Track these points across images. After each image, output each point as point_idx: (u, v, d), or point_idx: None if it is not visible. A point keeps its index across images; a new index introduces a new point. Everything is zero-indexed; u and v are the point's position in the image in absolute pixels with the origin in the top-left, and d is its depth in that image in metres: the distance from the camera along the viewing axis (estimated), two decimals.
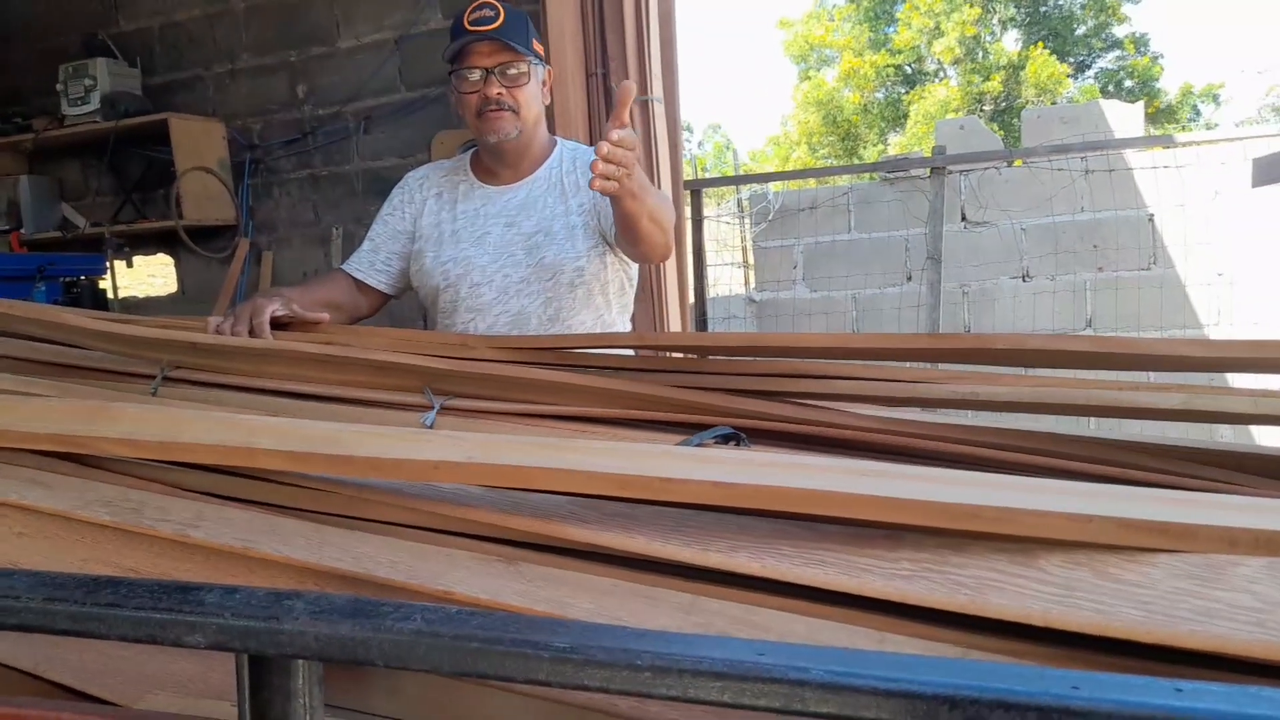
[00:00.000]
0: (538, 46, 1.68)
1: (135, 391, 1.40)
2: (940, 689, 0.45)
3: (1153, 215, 3.56)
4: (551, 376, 1.26)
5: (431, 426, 1.30)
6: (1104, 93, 17.57)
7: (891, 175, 3.70)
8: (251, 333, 1.46)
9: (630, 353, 1.43)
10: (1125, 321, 3.53)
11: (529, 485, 0.72)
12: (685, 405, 1.23)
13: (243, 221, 3.59)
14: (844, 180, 4.27)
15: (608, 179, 1.31)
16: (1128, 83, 18.04)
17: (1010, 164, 3.52)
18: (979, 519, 0.60)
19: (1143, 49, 18.61)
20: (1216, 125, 17.25)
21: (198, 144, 3.44)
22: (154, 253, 3.86)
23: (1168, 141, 2.93)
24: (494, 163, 1.75)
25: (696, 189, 3.18)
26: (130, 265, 3.70)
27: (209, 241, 3.58)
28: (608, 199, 1.67)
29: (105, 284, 3.57)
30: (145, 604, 0.58)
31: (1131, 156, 3.49)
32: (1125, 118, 3.79)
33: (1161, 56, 18.73)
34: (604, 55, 2.73)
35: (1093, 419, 1.18)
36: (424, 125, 3.27)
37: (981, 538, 0.63)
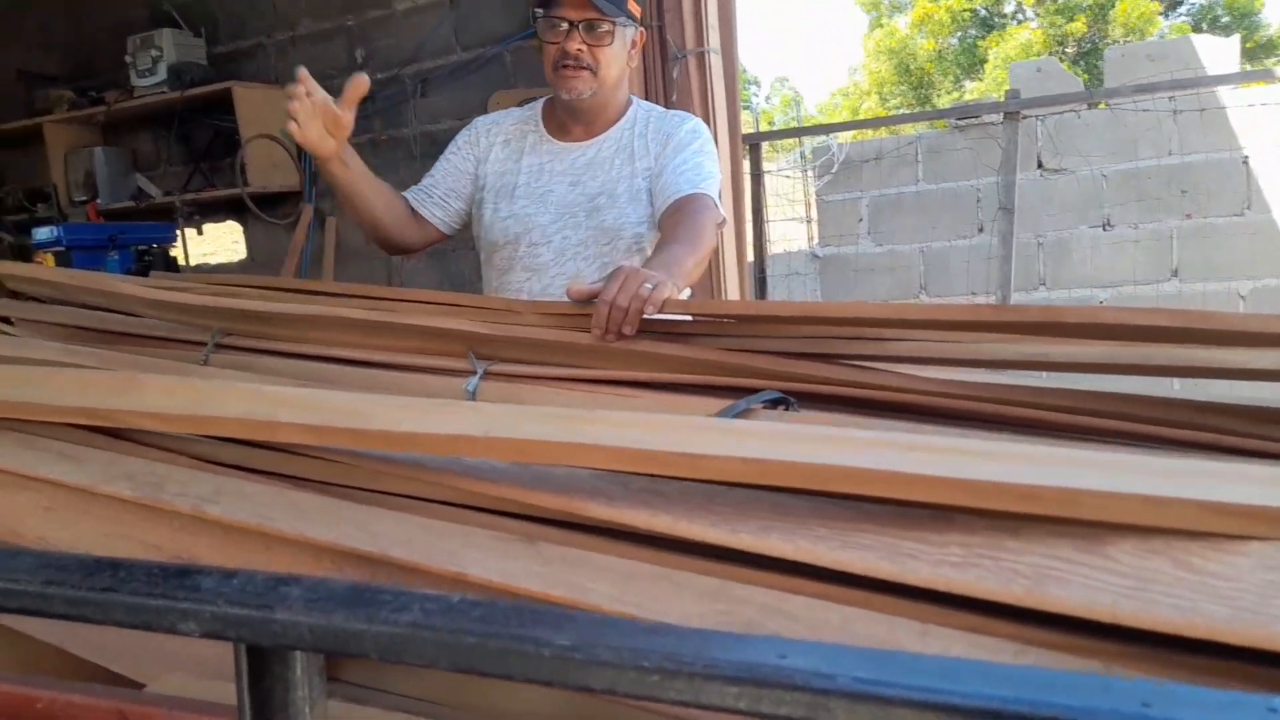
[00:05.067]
0: (633, 6, 1.62)
1: (187, 360, 1.41)
2: (985, 702, 0.40)
3: (1247, 157, 3.29)
4: (596, 341, 1.22)
5: (474, 392, 1.27)
6: (1197, 30, 16.51)
7: (962, 122, 3.51)
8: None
9: (688, 318, 1.38)
10: (1216, 271, 3.30)
11: (550, 460, 0.68)
12: (735, 369, 1.17)
13: (307, 188, 3.62)
14: (911, 129, 4.09)
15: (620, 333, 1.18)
16: (1224, 18, 16.93)
17: (1091, 106, 3.30)
18: (1039, 501, 0.53)
19: None
20: None
21: (261, 112, 3.47)
22: (223, 220, 3.94)
23: (1266, 76, 2.70)
24: (567, 118, 1.69)
25: (755, 143, 3.07)
26: (200, 233, 3.78)
27: (275, 208, 3.63)
28: (672, 173, 1.61)
29: (177, 251, 3.65)
30: (141, 589, 0.56)
31: (1225, 95, 3.23)
32: (1219, 53, 3.51)
33: None
34: (659, 6, 2.64)
35: (1175, 380, 1.08)
36: (480, 86, 3.24)
37: (1043, 521, 0.56)
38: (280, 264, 3.28)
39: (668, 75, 2.62)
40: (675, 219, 1.54)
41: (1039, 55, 15.67)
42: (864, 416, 1.07)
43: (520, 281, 1.69)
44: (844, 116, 18.77)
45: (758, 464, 0.60)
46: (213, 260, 4.04)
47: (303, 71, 1.43)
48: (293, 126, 1.43)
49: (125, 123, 3.89)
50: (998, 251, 2.68)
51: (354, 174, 1.56)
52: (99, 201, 3.74)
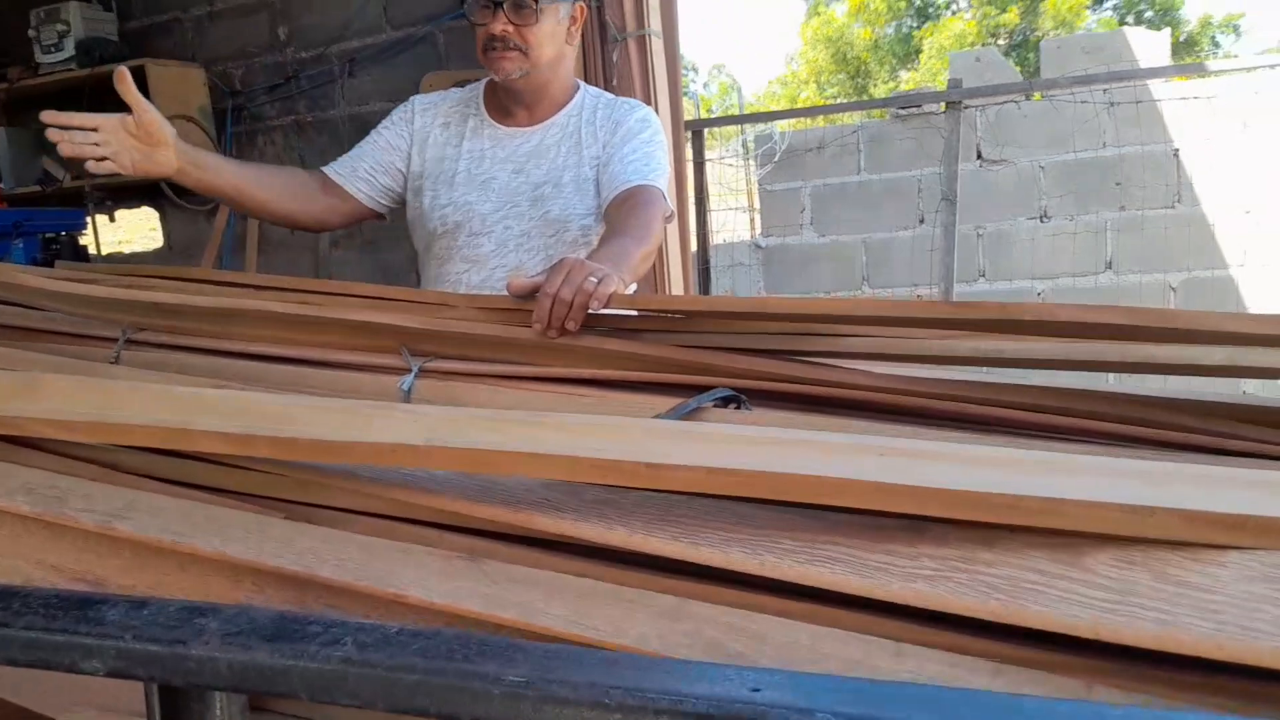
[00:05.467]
0: None
1: (96, 358, 1.32)
2: None
3: (1178, 150, 3.39)
4: (538, 337, 1.17)
5: (409, 391, 1.22)
6: (1123, 24, 17.05)
7: (904, 112, 3.53)
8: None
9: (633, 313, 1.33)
10: (1149, 263, 3.39)
11: (498, 471, 0.63)
12: (683, 365, 1.14)
13: None
14: (852, 118, 4.10)
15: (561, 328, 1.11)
16: (1148, 13, 17.49)
17: (1029, 97, 3.35)
18: (1019, 511, 0.51)
19: None
20: (1236, 56, 16.75)
21: (178, 91, 3.30)
22: (137, 206, 3.75)
23: (1198, 70, 2.77)
24: (508, 100, 1.62)
25: (698, 130, 3.03)
26: (113, 220, 3.59)
27: (193, 194, 3.46)
28: (620, 162, 1.55)
29: (88, 239, 3.46)
30: (38, 622, 0.50)
31: (1156, 88, 3.31)
32: (1151, 47, 3.60)
33: None
34: None
35: (1124, 375, 1.08)
36: (412, 67, 3.13)
37: (1017, 530, 0.53)
38: (200, 253, 3.13)
39: (607, 58, 2.57)
40: (623, 210, 1.49)
41: (973, 46, 15.99)
42: (818, 415, 1.04)
43: (459, 273, 1.62)
44: (782, 104, 18.89)
45: (722, 474, 0.56)
46: (127, 249, 3.85)
47: (55, 115, 1.28)
48: (107, 166, 1.30)
49: (30, 101, 3.67)
50: (940, 243, 2.70)
51: (213, 172, 1.47)
52: (1, 186, 3.52)
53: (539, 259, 1.59)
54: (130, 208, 3.73)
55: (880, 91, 18.05)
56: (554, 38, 1.56)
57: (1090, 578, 0.51)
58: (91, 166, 1.30)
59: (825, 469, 0.55)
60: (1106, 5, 18.26)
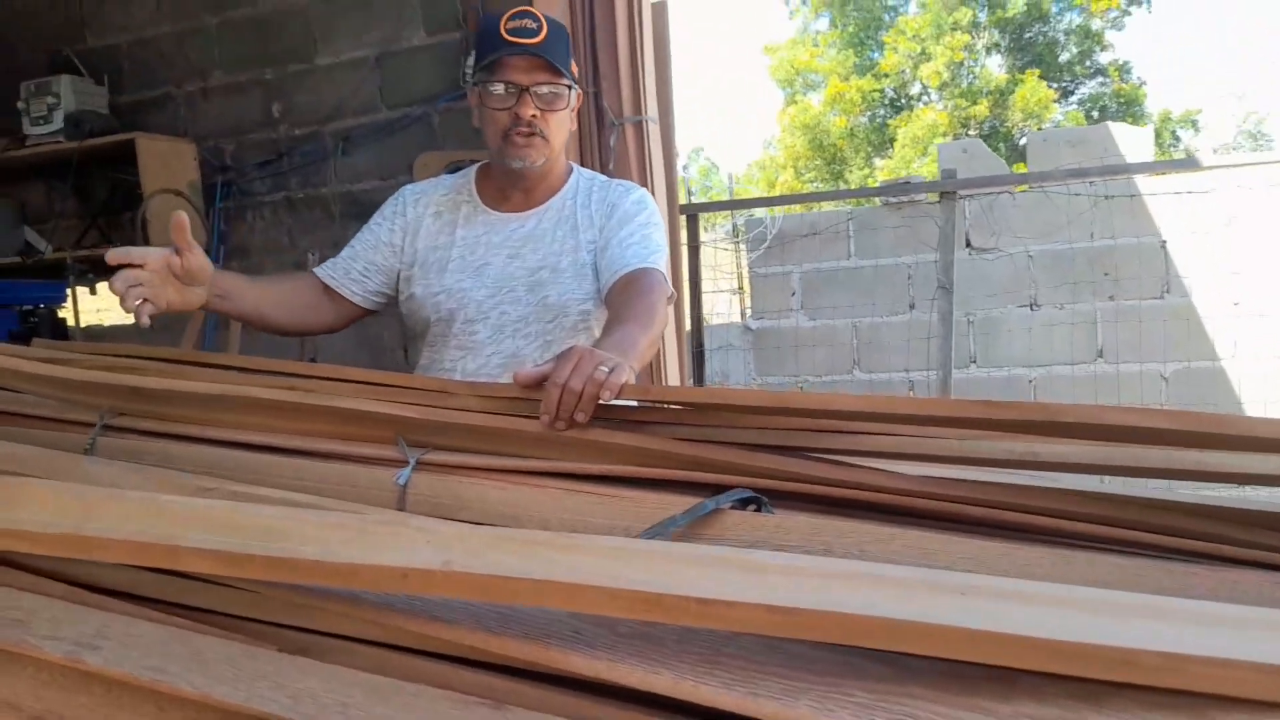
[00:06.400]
0: (574, 67, 1.53)
1: (73, 443, 1.24)
2: None
3: (1165, 242, 3.44)
4: (544, 429, 1.10)
5: (406, 485, 1.14)
6: (1089, 118, 17.68)
7: (896, 200, 3.56)
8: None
9: (633, 404, 1.28)
10: (1140, 352, 3.40)
11: (524, 601, 0.56)
12: (698, 462, 1.07)
13: (214, 246, 3.42)
14: (829, 206, 4.14)
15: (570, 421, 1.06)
16: (1112, 108, 18.15)
17: (1034, 189, 3.40)
18: (1135, 667, 0.44)
19: (1126, 75, 18.76)
20: (1196, 151, 17.36)
21: (167, 165, 3.27)
22: None
23: (1191, 164, 2.82)
24: (508, 186, 1.58)
25: (692, 214, 3.04)
26: (94, 293, 3.52)
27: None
28: (618, 246, 1.52)
29: (67, 311, 3.38)
30: None
31: (1142, 182, 3.37)
32: (1134, 141, 3.69)
33: (1145, 83, 18.88)
34: (595, 72, 2.60)
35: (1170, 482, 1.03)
36: (406, 146, 3.13)
37: (1126, 687, 0.47)
38: (182, 327, 3.06)
39: (604, 142, 2.57)
40: (625, 296, 1.44)
41: (945, 136, 16.49)
42: (844, 519, 0.98)
43: (453, 360, 1.56)
44: (761, 187, 19.29)
45: (785, 614, 0.49)
46: (106, 321, 3.76)
47: (113, 254, 1.27)
48: (146, 308, 1.28)
49: (15, 172, 3.63)
50: (937, 330, 2.69)
51: (238, 300, 1.45)
52: None
53: (536, 345, 1.54)
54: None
55: (855, 177, 18.49)
56: (566, 124, 1.54)
57: None
58: (127, 307, 1.28)
59: (903, 610, 0.48)
60: (1073, 100, 18.96)
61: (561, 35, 1.49)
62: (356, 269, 1.61)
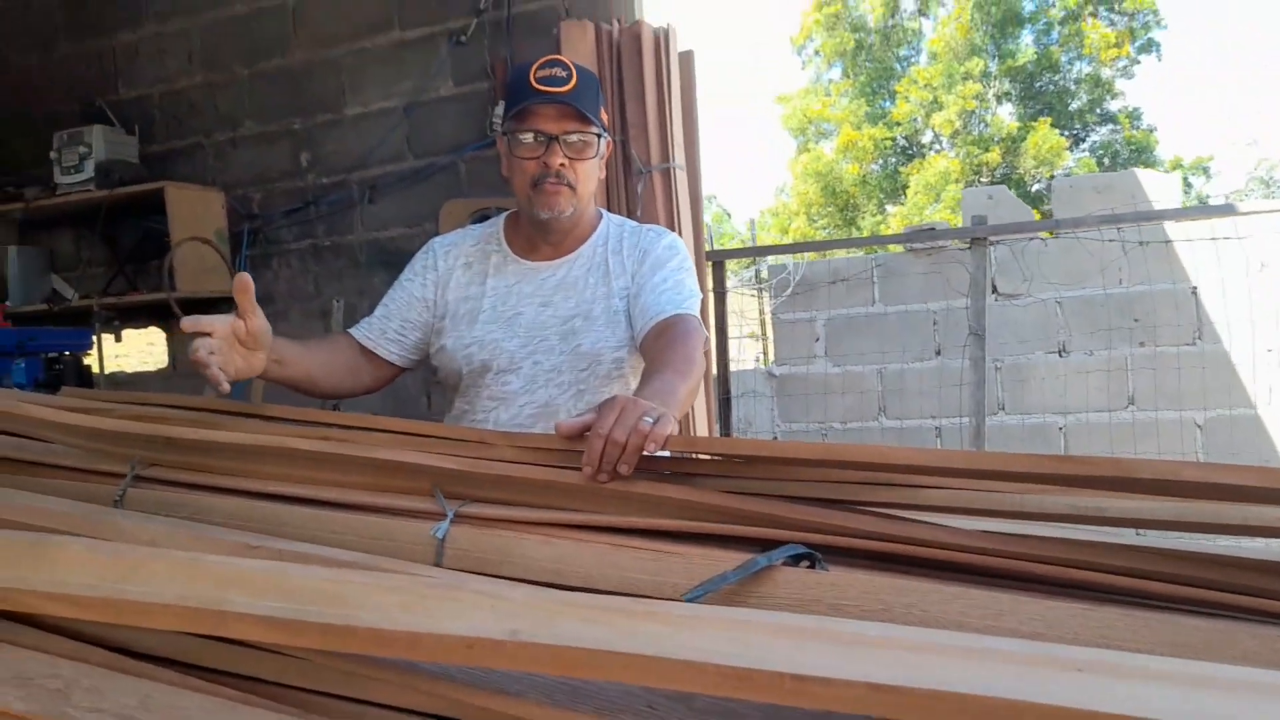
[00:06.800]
0: (604, 115, 1.52)
1: (103, 495, 1.21)
2: None
3: (1195, 288, 3.40)
4: (587, 481, 1.07)
5: (444, 539, 1.11)
6: (1101, 164, 17.75)
7: (922, 246, 3.55)
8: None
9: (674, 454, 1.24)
10: (1171, 400, 3.35)
11: (599, 675, 0.52)
12: (744, 515, 1.03)
13: None
14: (849, 253, 4.12)
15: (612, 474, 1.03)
16: (1124, 154, 18.24)
17: (1059, 234, 3.39)
18: None
19: (1137, 123, 18.88)
20: (1208, 198, 17.38)
21: (195, 213, 3.30)
22: (145, 326, 3.70)
23: (1227, 210, 2.81)
24: (537, 236, 1.56)
25: (719, 260, 3.03)
26: (119, 339, 3.53)
27: (204, 314, 3.41)
28: (652, 292, 1.50)
29: (92, 359, 3.39)
30: None
31: (1172, 228, 3.35)
32: (1161, 188, 3.68)
33: (1155, 130, 18.98)
34: (623, 120, 2.61)
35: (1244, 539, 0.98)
36: (432, 194, 3.14)
37: None
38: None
39: (631, 189, 2.57)
40: (662, 343, 1.42)
41: (957, 183, 16.57)
42: (903, 576, 0.94)
43: (486, 410, 1.53)
44: (774, 233, 19.39)
45: (891, 693, 0.45)
46: (129, 369, 3.77)
47: (187, 321, 1.26)
48: (216, 374, 1.26)
49: (45, 221, 3.67)
50: (966, 377, 2.65)
51: (291, 366, 1.43)
52: (8, 303, 3.48)
53: (570, 394, 1.51)
54: (138, 327, 3.68)
55: (868, 223, 18.59)
56: (596, 172, 1.53)
57: None
58: (211, 375, 1.26)
59: (1023, 690, 0.45)
60: (1084, 147, 19.06)
61: (591, 83, 1.48)
62: (393, 328, 1.58)
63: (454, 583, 0.61)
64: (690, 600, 0.91)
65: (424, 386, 3.14)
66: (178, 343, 3.66)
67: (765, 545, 0.99)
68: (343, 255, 3.34)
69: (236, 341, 1.29)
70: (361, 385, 1.58)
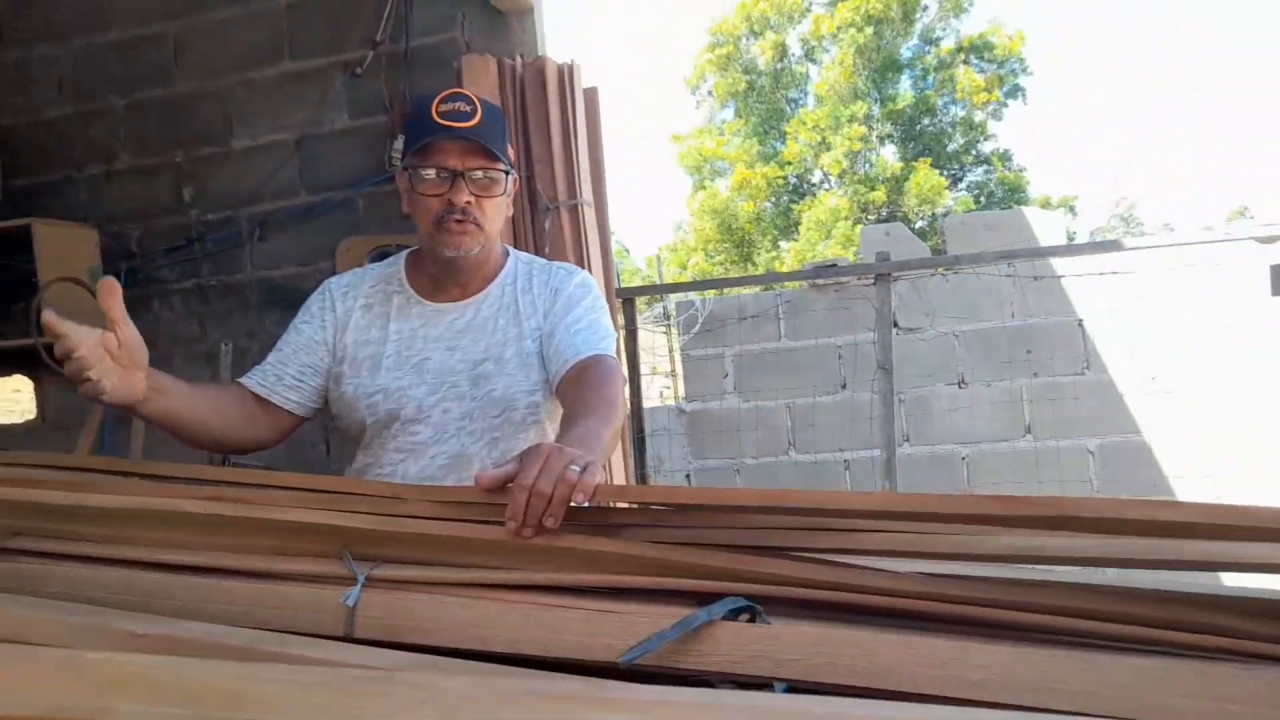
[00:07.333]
0: (510, 150, 1.46)
1: None
2: None
3: (1081, 320, 3.58)
4: (511, 537, 1.00)
5: (355, 605, 1.02)
6: (978, 203, 18.75)
7: (827, 282, 3.62)
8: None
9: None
10: (1065, 428, 3.50)
11: None
12: (679, 567, 0.99)
13: None
14: (747, 289, 4.19)
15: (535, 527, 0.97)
16: (998, 194, 19.32)
17: (952, 270, 3.52)
18: None
19: (1008, 164, 20.05)
20: (1074, 235, 18.58)
21: (65, 252, 3.07)
22: (9, 374, 3.40)
23: (1113, 246, 2.97)
24: (443, 276, 1.48)
25: (629, 297, 3.00)
26: None
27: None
28: (565, 332, 1.45)
29: None
30: None
31: (1059, 263, 3.53)
32: (1047, 225, 3.87)
33: (1025, 170, 20.21)
34: (529, 156, 2.57)
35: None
36: (327, 231, 3.01)
37: None
38: (77, 427, 2.82)
39: (538, 226, 2.52)
40: (581, 386, 1.36)
41: (846, 220, 17.20)
42: (846, 626, 0.90)
43: (393, 463, 1.44)
44: (672, 269, 19.65)
45: None
46: None
47: (47, 317, 1.13)
48: (104, 388, 1.14)
49: None
50: (874, 410, 2.69)
51: (174, 397, 1.28)
52: None
53: (483, 443, 1.44)
54: (1, 375, 3.38)
55: (763, 259, 19.07)
56: (503, 210, 1.47)
57: None
58: (87, 390, 1.12)
59: None
60: (961, 186, 20.13)
61: (497, 118, 1.43)
62: (290, 374, 1.47)
63: (380, 676, 0.53)
64: (628, 661, 0.86)
65: (321, 432, 2.98)
66: (48, 393, 3.38)
67: (703, 598, 0.94)
68: (231, 295, 3.16)
69: (108, 356, 1.15)
70: (259, 437, 1.45)
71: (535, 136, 2.55)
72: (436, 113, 1.36)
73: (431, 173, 1.38)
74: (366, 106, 2.97)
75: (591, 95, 2.69)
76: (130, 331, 1.17)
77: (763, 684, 0.87)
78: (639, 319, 4.09)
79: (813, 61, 20.49)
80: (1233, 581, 1.07)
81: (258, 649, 0.73)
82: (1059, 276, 3.50)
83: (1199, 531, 0.82)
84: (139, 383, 1.20)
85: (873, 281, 2.71)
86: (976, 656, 0.83)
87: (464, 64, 2.58)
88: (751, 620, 0.92)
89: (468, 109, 1.37)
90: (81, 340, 1.13)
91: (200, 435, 1.35)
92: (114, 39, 3.26)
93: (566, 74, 2.60)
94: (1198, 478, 3.35)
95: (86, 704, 0.50)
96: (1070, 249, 3.28)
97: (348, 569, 1.03)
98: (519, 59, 2.64)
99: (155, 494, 1.14)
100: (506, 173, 1.42)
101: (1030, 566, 0.97)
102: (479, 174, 1.38)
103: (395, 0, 2.85)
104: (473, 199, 1.39)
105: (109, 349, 1.15)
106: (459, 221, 1.39)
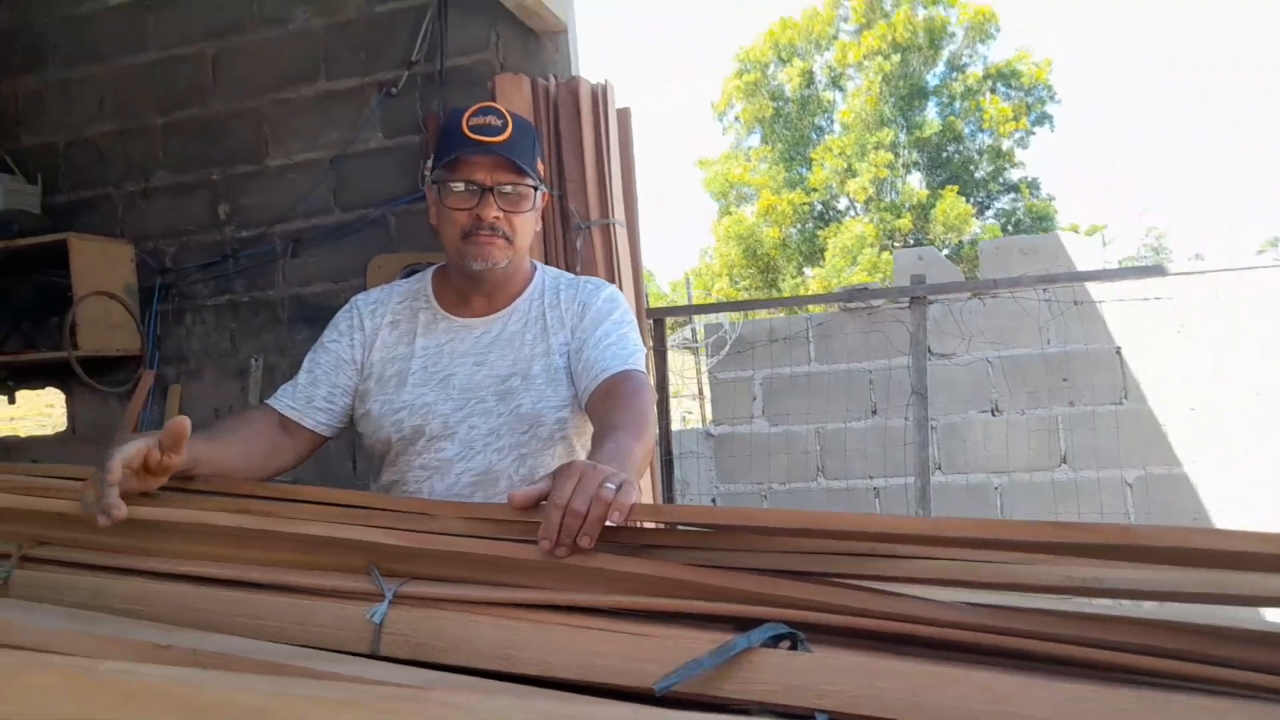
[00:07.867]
0: (541, 166, 1.44)
1: None
2: None
3: (1120, 348, 3.51)
4: (544, 556, 0.98)
5: (382, 622, 1.00)
6: (1005, 230, 18.61)
7: (855, 306, 3.58)
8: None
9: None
10: (1102, 459, 3.41)
11: None
12: (718, 591, 0.95)
13: (148, 351, 3.22)
14: (763, 313, 4.14)
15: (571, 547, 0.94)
16: (1026, 222, 19.17)
17: (988, 294, 3.46)
18: None
19: (1035, 192, 19.91)
20: (1106, 263, 18.34)
21: (100, 267, 3.10)
22: (42, 386, 3.43)
23: (1157, 271, 2.90)
24: (469, 290, 1.47)
25: (659, 318, 2.98)
26: (13, 401, 3.27)
27: (108, 374, 3.19)
28: (595, 348, 1.42)
29: None
30: None
31: (1094, 289, 3.46)
32: (1083, 250, 3.81)
33: (1054, 199, 20.05)
34: (560, 174, 2.56)
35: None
36: (359, 248, 3.02)
37: None
38: (109, 438, 2.83)
39: (570, 245, 2.51)
40: (611, 402, 1.33)
41: (872, 247, 17.13)
42: (892, 657, 0.86)
43: (419, 481, 1.42)
44: (697, 293, 19.67)
45: None
46: (22, 431, 3.49)
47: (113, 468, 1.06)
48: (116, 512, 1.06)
49: None
50: (913, 436, 2.64)
51: (204, 466, 1.25)
52: None
53: (510, 459, 1.41)
54: (34, 388, 3.41)
55: (788, 285, 19.03)
56: (532, 225, 1.46)
57: None
58: (103, 523, 1.06)
59: None
60: (989, 214, 19.99)
61: (528, 133, 1.42)
62: (320, 395, 1.45)
63: (415, 696, 0.50)
64: (663, 689, 0.83)
65: (349, 449, 2.97)
66: (79, 404, 3.40)
67: (741, 624, 0.91)
68: (263, 311, 3.17)
69: (144, 471, 1.10)
70: (280, 464, 1.42)
71: (568, 156, 2.55)
72: (467, 126, 1.36)
73: (460, 186, 1.37)
74: (401, 126, 2.98)
75: (624, 116, 2.68)
76: (176, 460, 1.12)
77: (804, 715, 0.84)
78: (667, 340, 4.07)
79: (839, 89, 20.54)
80: None
81: (283, 664, 0.70)
82: (1097, 302, 3.43)
83: (1266, 563, 0.77)
84: (157, 483, 1.15)
85: (907, 305, 2.67)
86: (1039, 694, 0.79)
87: (498, 83, 2.58)
88: (792, 648, 0.88)
89: (499, 123, 1.36)
90: (128, 460, 1.07)
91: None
92: (154, 58, 3.31)
93: (600, 94, 2.60)
94: (1240, 511, 3.25)
95: (105, 715, 0.48)
96: (1112, 273, 3.21)
97: (375, 585, 1.01)
98: (552, 79, 2.64)
99: (182, 506, 1.13)
100: (535, 188, 1.40)
101: (1087, 600, 0.93)
102: (508, 188, 1.37)
103: (430, 21, 2.87)
104: (501, 214, 1.38)
105: (149, 462, 1.10)
106: (487, 235, 1.38)
